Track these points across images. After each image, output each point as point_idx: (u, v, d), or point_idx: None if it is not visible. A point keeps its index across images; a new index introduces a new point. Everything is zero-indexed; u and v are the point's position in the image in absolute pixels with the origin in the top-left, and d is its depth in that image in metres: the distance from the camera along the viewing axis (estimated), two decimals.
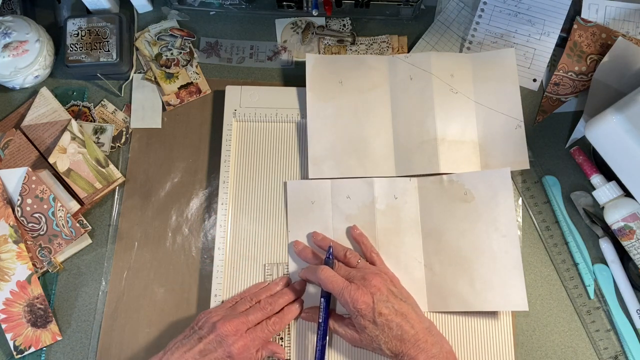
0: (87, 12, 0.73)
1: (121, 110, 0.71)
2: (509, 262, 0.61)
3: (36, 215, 0.64)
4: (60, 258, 0.65)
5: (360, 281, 0.56)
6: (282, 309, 0.59)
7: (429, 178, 0.65)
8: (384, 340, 0.54)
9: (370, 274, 0.57)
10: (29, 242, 0.64)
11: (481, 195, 0.64)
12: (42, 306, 0.63)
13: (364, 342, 0.56)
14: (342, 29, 0.74)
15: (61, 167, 0.65)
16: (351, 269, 0.59)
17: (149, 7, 0.75)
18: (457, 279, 0.62)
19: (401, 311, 0.55)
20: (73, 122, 0.67)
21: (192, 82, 0.71)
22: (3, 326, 0.62)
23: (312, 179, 0.66)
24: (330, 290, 0.57)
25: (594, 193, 0.66)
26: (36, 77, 0.70)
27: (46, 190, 0.64)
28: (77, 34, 0.69)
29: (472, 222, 0.63)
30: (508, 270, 0.61)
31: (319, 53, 0.73)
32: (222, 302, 0.62)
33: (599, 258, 0.66)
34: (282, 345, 0.61)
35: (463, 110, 0.67)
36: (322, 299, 0.58)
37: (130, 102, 0.71)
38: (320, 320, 0.58)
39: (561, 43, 0.72)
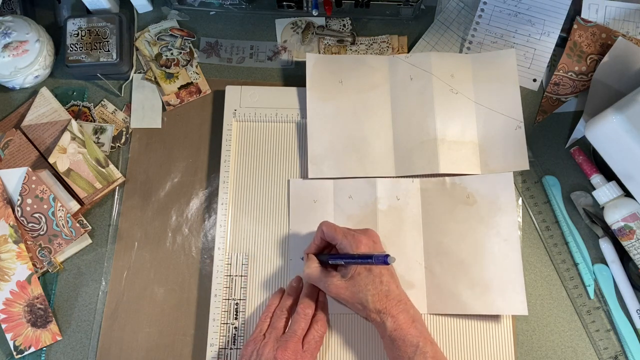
0: (87, 12, 0.73)
1: (121, 110, 0.71)
2: (510, 266, 0.61)
3: (36, 215, 0.64)
4: (60, 258, 0.65)
5: (362, 231, 0.59)
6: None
7: (432, 180, 0.65)
8: (372, 293, 0.55)
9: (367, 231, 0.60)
10: (29, 242, 0.64)
11: (483, 199, 0.64)
12: (42, 306, 0.63)
13: (348, 292, 0.55)
14: (342, 29, 0.74)
15: (61, 167, 0.65)
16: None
17: (149, 7, 0.75)
18: (457, 281, 0.62)
19: (391, 271, 0.57)
20: (73, 122, 0.67)
21: (192, 82, 0.71)
22: (3, 326, 0.62)
23: (311, 178, 0.66)
24: (332, 236, 0.58)
25: (594, 193, 0.66)
26: (36, 77, 0.70)
27: (46, 190, 0.63)
28: (77, 34, 0.69)
29: (474, 225, 0.63)
30: (508, 274, 0.61)
31: (319, 53, 0.73)
32: (256, 326, 0.60)
33: (599, 258, 0.66)
34: None
35: (463, 111, 0.67)
36: (329, 258, 0.58)
37: (130, 102, 0.71)
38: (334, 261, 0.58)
39: (561, 43, 0.72)
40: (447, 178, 0.65)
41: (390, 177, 0.66)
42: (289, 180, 0.66)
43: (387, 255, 0.51)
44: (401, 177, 0.66)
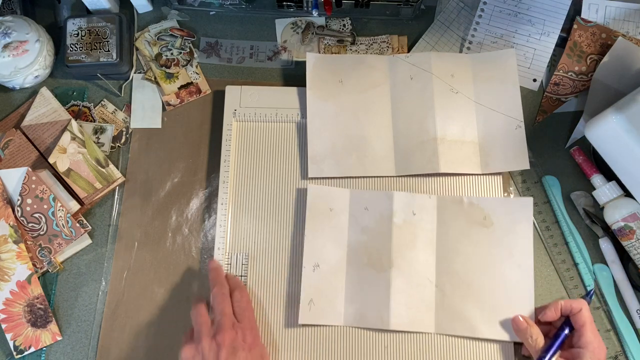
0: (87, 12, 0.73)
1: (121, 110, 0.71)
2: (521, 293, 0.61)
3: (36, 215, 0.64)
4: (60, 258, 0.65)
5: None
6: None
7: (449, 197, 0.65)
8: None
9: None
10: (29, 242, 0.64)
11: (500, 222, 0.63)
12: (42, 306, 0.63)
13: None
14: (342, 29, 0.74)
15: (61, 167, 0.65)
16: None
17: (149, 7, 0.75)
18: (467, 303, 0.61)
19: None
20: (73, 122, 0.67)
21: (192, 82, 0.71)
22: (3, 326, 0.62)
23: (311, 177, 0.66)
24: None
25: (594, 193, 0.66)
26: (36, 77, 0.70)
27: (46, 190, 0.64)
28: (77, 34, 0.69)
29: (488, 248, 0.62)
30: (519, 301, 0.60)
31: (319, 53, 0.73)
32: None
33: (599, 258, 0.66)
34: None
35: (463, 110, 0.67)
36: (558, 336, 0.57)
37: (130, 102, 0.71)
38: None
39: (561, 43, 0.72)
40: (464, 197, 0.64)
41: (405, 191, 0.65)
42: (305, 188, 0.65)
43: None
44: (417, 193, 0.65)
